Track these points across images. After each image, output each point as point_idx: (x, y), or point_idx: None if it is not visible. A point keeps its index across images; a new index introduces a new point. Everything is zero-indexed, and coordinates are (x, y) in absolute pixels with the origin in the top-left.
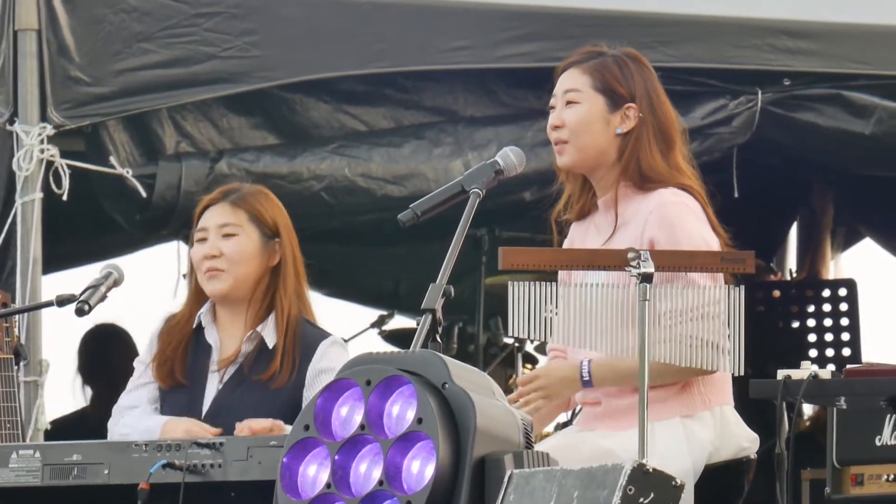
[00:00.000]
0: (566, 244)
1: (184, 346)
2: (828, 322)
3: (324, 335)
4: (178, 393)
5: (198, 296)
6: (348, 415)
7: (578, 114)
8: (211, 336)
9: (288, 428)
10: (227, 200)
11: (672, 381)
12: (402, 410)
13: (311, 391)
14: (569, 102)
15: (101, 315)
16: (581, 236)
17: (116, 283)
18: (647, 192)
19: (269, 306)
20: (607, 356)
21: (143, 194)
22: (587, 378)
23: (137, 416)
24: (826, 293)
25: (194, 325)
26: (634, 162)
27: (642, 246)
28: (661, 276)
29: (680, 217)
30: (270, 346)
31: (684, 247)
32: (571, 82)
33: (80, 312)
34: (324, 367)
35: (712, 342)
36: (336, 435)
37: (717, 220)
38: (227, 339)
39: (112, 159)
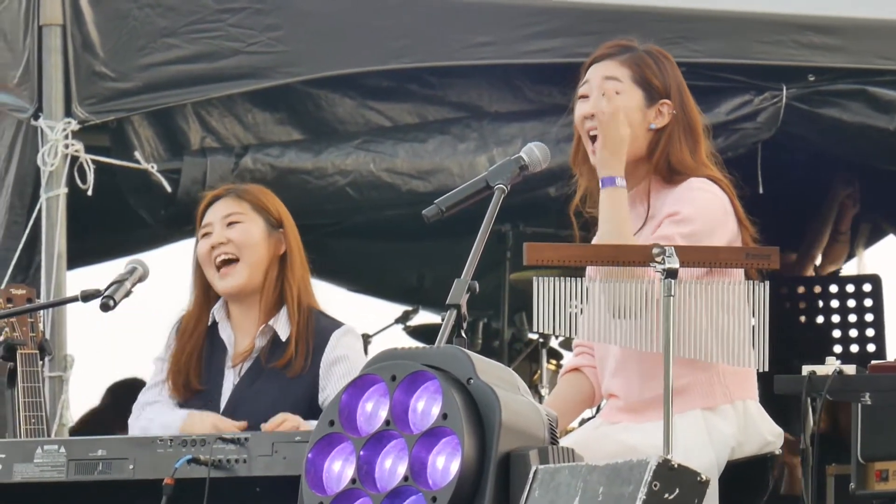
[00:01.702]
0: (595, 240)
1: (198, 353)
2: (852, 318)
3: (336, 324)
4: (195, 397)
5: (206, 295)
6: (373, 410)
7: (618, 105)
8: (225, 333)
9: (300, 420)
10: (229, 195)
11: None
12: (427, 406)
13: (326, 380)
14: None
15: (126, 310)
16: None
17: (141, 279)
18: (675, 184)
19: (280, 300)
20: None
21: (168, 189)
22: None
23: (157, 410)
24: (850, 289)
25: (208, 324)
26: (665, 158)
27: (661, 225)
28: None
29: (704, 198)
30: (283, 338)
31: (698, 221)
32: (611, 72)
33: (105, 308)
34: (338, 355)
35: (735, 336)
36: (361, 430)
37: (744, 214)
38: (240, 334)
39: (137, 154)
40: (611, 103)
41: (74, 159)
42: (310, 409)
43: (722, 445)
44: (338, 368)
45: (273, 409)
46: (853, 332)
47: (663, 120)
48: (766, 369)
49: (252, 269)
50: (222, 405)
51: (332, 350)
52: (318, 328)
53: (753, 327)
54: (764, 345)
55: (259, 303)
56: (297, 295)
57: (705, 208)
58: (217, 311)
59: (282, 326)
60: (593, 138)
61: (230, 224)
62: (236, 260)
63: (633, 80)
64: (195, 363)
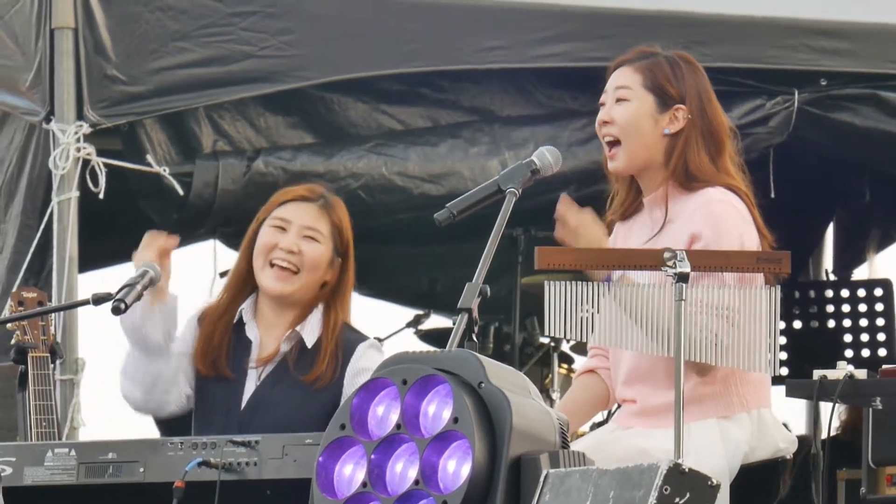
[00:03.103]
0: (609, 243)
1: (228, 339)
2: (863, 322)
3: (362, 338)
4: (219, 386)
5: (244, 284)
6: (384, 414)
7: (628, 111)
8: (252, 332)
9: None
10: (315, 203)
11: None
12: (438, 410)
13: (348, 391)
14: (619, 99)
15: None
16: (625, 235)
17: (153, 282)
18: (693, 191)
19: (312, 308)
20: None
21: (180, 193)
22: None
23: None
24: (862, 293)
25: (235, 320)
26: (682, 163)
27: (684, 241)
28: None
29: (725, 214)
30: (309, 345)
31: (727, 244)
32: (623, 80)
33: (117, 311)
34: (361, 367)
35: (749, 342)
36: (372, 434)
37: (762, 222)
38: (266, 336)
39: (149, 158)
40: (565, 224)
41: (86, 163)
42: (330, 418)
43: (735, 451)
44: (361, 380)
45: (293, 416)
46: (864, 337)
47: (678, 125)
48: (778, 374)
49: (305, 286)
50: (243, 403)
51: (356, 361)
52: (345, 340)
53: (767, 332)
54: (775, 349)
55: (293, 311)
56: (338, 319)
57: (725, 226)
58: (245, 311)
59: (308, 333)
60: (609, 144)
61: (307, 237)
62: (296, 273)
63: (644, 86)
64: (225, 348)
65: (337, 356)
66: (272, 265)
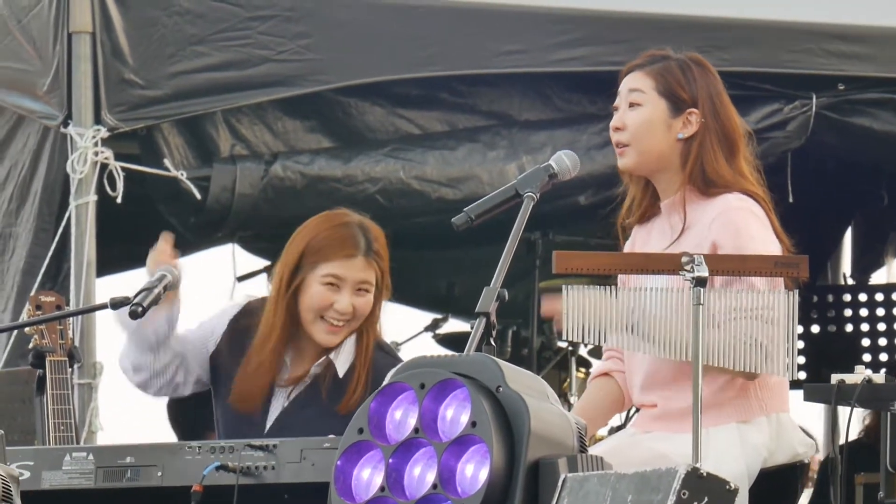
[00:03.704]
0: (627, 247)
1: (267, 386)
2: (881, 326)
3: (393, 362)
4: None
5: (289, 335)
6: (402, 418)
7: (640, 117)
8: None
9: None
10: (363, 255)
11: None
12: (456, 414)
13: None
14: (631, 104)
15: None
16: (643, 240)
17: (171, 286)
18: (711, 196)
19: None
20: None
21: (198, 197)
22: None
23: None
24: (880, 297)
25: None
26: (699, 167)
27: (706, 249)
28: (721, 280)
29: (745, 221)
30: (341, 374)
31: (748, 251)
32: (635, 84)
33: (134, 315)
34: None
35: (766, 346)
36: (390, 438)
37: (780, 227)
38: (298, 358)
39: (166, 162)
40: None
41: (104, 167)
42: None
43: (754, 456)
44: None
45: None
46: (882, 341)
47: (691, 129)
48: (796, 378)
49: (352, 330)
50: (268, 423)
51: None
52: (375, 364)
53: (786, 336)
54: (793, 353)
55: None
56: (370, 342)
57: (747, 233)
58: None
59: (341, 362)
60: (619, 148)
61: (359, 291)
62: (347, 323)
63: (657, 91)
64: (266, 384)
65: (368, 383)
66: (323, 319)
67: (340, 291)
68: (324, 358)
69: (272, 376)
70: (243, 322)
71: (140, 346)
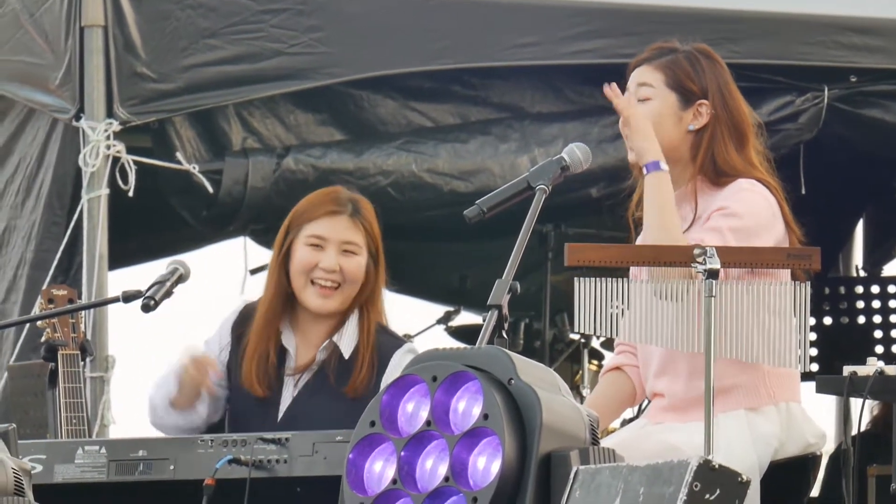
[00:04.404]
0: (639, 240)
1: (276, 354)
2: (894, 318)
3: (397, 343)
4: (256, 397)
5: (284, 301)
6: (414, 411)
7: (650, 111)
8: (288, 341)
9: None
10: (346, 213)
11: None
12: (468, 406)
13: None
14: (641, 99)
15: (167, 311)
16: None
17: (182, 279)
18: (722, 185)
19: (348, 316)
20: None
21: (210, 190)
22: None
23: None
24: (892, 289)
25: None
26: (710, 158)
27: (710, 219)
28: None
29: (752, 197)
30: (346, 355)
31: (751, 217)
32: (644, 78)
33: (146, 308)
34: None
35: (777, 336)
36: (402, 431)
37: (791, 217)
38: (303, 344)
39: (178, 155)
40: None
41: (116, 160)
42: None
43: (764, 446)
44: None
45: (331, 426)
46: (895, 333)
47: (702, 120)
48: (808, 369)
49: (347, 299)
50: (280, 413)
51: (393, 370)
52: (379, 345)
53: (796, 328)
54: (805, 345)
55: (331, 319)
56: (372, 324)
57: (754, 208)
58: (282, 321)
59: (345, 344)
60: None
61: (346, 252)
62: (337, 288)
63: (667, 85)
64: (273, 363)
65: (373, 364)
66: (313, 283)
67: (325, 251)
68: (328, 342)
69: (274, 343)
70: (245, 325)
71: (175, 426)
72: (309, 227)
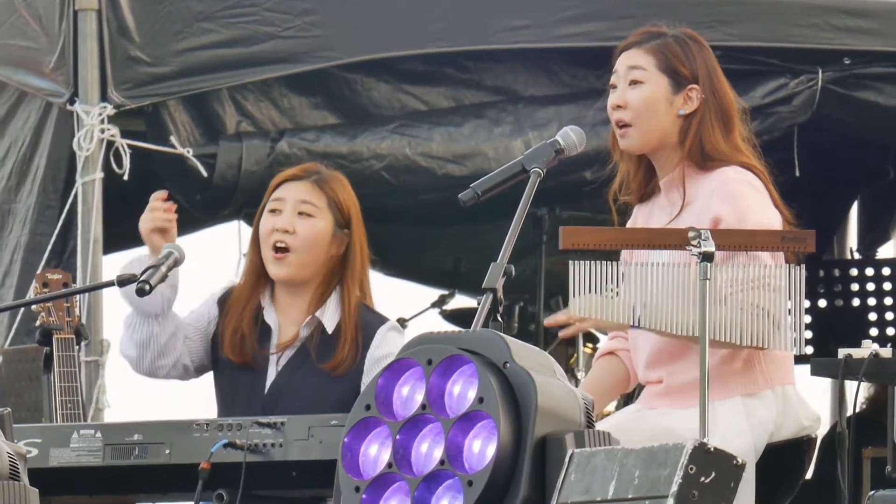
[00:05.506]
0: (629, 226)
1: (253, 324)
2: (888, 301)
3: (381, 321)
4: (243, 373)
5: (259, 274)
6: (409, 394)
7: (643, 94)
8: (270, 318)
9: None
10: (309, 179)
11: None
12: (463, 390)
13: (369, 377)
14: (633, 82)
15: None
16: (645, 218)
17: (177, 263)
18: (708, 171)
19: (329, 291)
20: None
21: (204, 174)
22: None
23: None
24: (886, 271)
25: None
26: (697, 143)
27: (706, 224)
28: (722, 254)
29: (743, 193)
30: (329, 330)
31: (749, 222)
32: (635, 62)
33: (141, 292)
34: (382, 353)
35: (772, 315)
36: (397, 414)
37: (779, 198)
38: (285, 322)
39: (173, 139)
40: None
41: (110, 144)
42: (351, 404)
43: (761, 430)
44: (382, 366)
45: (314, 403)
46: (889, 315)
47: (692, 105)
48: (803, 352)
49: (305, 264)
50: (266, 389)
51: (376, 347)
52: (363, 323)
53: (791, 310)
54: (800, 328)
55: (309, 293)
56: (351, 296)
57: (746, 203)
58: (264, 297)
59: (328, 319)
60: (621, 127)
61: (301, 213)
62: (289, 251)
63: (658, 68)
64: (251, 333)
65: (357, 340)
66: (273, 249)
67: (282, 214)
68: (311, 317)
69: (250, 316)
70: (229, 300)
71: (145, 315)
72: (272, 195)
